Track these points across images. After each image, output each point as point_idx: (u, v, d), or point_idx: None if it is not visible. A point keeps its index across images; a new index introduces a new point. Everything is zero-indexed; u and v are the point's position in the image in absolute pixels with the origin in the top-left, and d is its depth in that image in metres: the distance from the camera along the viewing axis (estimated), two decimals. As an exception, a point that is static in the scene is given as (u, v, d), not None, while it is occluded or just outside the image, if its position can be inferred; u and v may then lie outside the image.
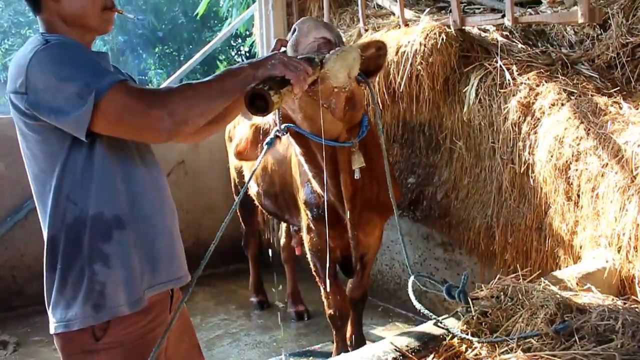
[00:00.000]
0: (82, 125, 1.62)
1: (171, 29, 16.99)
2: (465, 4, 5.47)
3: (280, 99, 1.78)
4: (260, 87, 1.73)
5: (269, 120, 2.80)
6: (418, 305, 2.31)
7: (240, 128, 4.41)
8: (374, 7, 5.70)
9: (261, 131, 2.81)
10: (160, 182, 2.00)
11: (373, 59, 2.67)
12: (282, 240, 5.15)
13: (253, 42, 9.41)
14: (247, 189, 3.32)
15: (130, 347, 1.83)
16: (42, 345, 4.72)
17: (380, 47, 2.69)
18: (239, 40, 15.87)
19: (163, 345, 1.88)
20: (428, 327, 2.22)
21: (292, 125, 2.61)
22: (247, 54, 16.41)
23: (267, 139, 2.31)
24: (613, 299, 2.20)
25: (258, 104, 1.75)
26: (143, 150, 1.94)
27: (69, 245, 1.80)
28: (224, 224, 1.87)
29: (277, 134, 2.41)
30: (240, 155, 2.89)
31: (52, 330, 1.84)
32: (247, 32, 12.09)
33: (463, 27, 4.20)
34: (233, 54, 18.06)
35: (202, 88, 1.71)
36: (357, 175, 2.75)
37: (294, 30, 2.22)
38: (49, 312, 1.85)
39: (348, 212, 3.02)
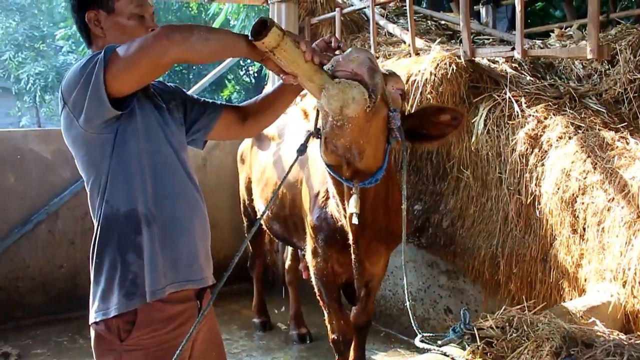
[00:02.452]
0: (100, 68, 1.83)
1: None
2: (474, 34, 5.57)
3: (280, 40, 1.82)
4: (271, 22, 1.81)
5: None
6: (425, 346, 2.30)
7: (256, 152, 4.48)
8: (385, 34, 5.80)
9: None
10: (188, 186, 2.15)
11: (441, 125, 2.60)
12: (287, 263, 5.17)
13: (263, 63, 9.54)
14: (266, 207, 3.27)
15: (152, 351, 1.97)
16: (44, 357, 4.74)
17: (456, 118, 2.59)
18: (249, 61, 16.03)
19: (186, 354, 2.04)
20: (433, 356, 2.23)
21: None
22: (256, 75, 16.59)
23: (299, 146, 2.25)
24: (618, 334, 2.22)
25: (260, 30, 1.82)
26: (167, 155, 2.09)
27: (102, 240, 2.01)
28: (243, 244, 1.95)
29: (306, 137, 2.35)
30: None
31: (91, 320, 2.02)
32: (258, 53, 12.25)
33: (473, 58, 4.26)
34: (242, 73, 18.25)
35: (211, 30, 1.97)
36: (354, 220, 2.58)
37: (349, 52, 2.10)
38: (91, 308, 2.04)
39: (352, 244, 3.03)
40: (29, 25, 17.55)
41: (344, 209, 2.85)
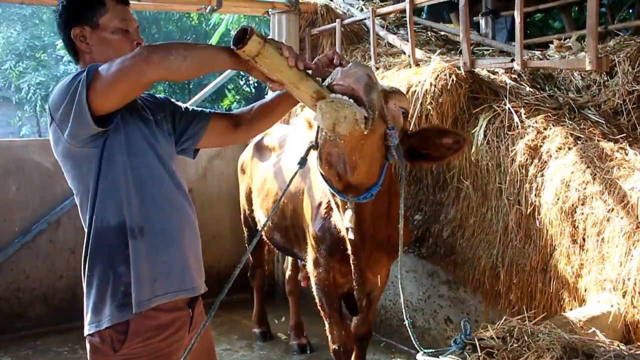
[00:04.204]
0: (84, 85, 1.87)
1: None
2: (474, 45, 5.60)
3: (261, 49, 1.84)
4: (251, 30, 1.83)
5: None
6: (427, 358, 2.31)
7: (256, 163, 4.49)
8: (385, 45, 5.84)
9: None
10: (176, 197, 2.18)
11: (443, 147, 2.62)
12: (288, 273, 5.18)
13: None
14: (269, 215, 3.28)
15: (146, 359, 2.02)
16: (44, 368, 4.74)
17: (458, 142, 2.61)
18: (249, 71, 16.06)
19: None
20: (435, 366, 2.24)
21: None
22: (256, 85, 16.64)
23: (299, 159, 2.28)
24: (619, 345, 2.23)
25: (241, 39, 1.84)
26: (154, 168, 2.14)
27: (93, 253, 2.06)
28: (244, 257, 2.01)
29: (307, 150, 2.36)
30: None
31: (86, 332, 2.06)
32: (258, 64, 12.29)
33: (473, 69, 4.29)
34: (242, 83, 18.29)
35: (190, 46, 2.00)
36: (350, 235, 2.60)
37: (348, 67, 2.11)
38: (85, 319, 2.09)
39: (351, 255, 3.04)
40: (30, 35, 17.60)
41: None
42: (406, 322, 2.38)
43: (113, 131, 2.02)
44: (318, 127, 2.39)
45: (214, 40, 11.70)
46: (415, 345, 2.37)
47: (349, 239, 2.88)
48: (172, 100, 2.42)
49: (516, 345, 2.20)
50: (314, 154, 2.45)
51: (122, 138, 2.04)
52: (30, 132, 19.85)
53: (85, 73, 1.88)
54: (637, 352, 2.08)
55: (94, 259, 2.06)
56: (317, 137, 2.42)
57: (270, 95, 2.55)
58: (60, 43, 16.94)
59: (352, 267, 3.10)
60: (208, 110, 2.47)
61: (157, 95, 2.38)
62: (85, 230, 2.10)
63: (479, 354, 2.19)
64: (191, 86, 16.93)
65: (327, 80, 2.07)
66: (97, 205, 2.04)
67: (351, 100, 2.04)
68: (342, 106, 2.03)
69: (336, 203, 2.85)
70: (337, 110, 2.03)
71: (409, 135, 2.71)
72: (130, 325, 2.01)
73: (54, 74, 17.35)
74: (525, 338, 2.23)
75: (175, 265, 2.12)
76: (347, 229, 2.65)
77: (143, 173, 2.09)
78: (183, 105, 2.44)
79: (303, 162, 2.26)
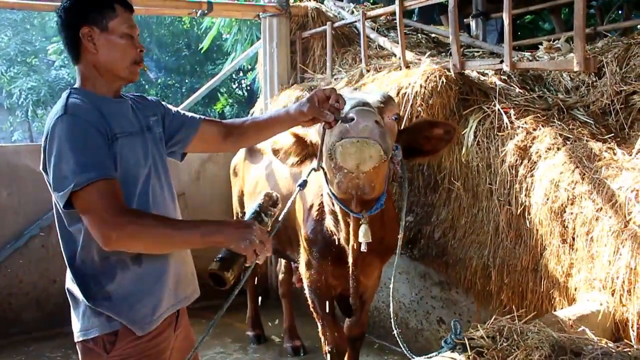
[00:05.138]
0: (61, 202, 1.94)
1: (174, 61, 17.24)
2: (464, 47, 5.64)
3: (234, 277, 1.99)
4: (227, 275, 1.97)
5: (312, 138, 2.79)
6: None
7: (248, 165, 4.51)
8: (376, 47, 5.87)
9: (298, 143, 2.78)
10: (173, 212, 2.26)
11: (434, 139, 2.66)
12: (281, 275, 5.19)
13: (255, 76, 9.58)
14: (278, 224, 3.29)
15: (136, 359, 2.09)
16: (37, 374, 4.72)
17: (449, 132, 2.67)
18: (241, 74, 16.09)
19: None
20: (426, 367, 2.26)
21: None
22: (248, 88, 16.65)
23: (300, 182, 2.36)
24: (606, 342, 2.25)
25: (216, 278, 1.99)
26: (156, 187, 2.19)
27: (80, 280, 2.09)
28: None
29: (309, 173, 2.46)
30: (275, 153, 2.81)
31: (77, 339, 2.13)
32: (250, 66, 12.31)
33: (463, 71, 4.32)
34: (234, 87, 18.30)
35: (174, 234, 1.96)
36: (363, 248, 2.68)
37: (355, 122, 2.17)
38: (73, 324, 2.16)
39: (351, 266, 3.09)
40: (21, 40, 17.56)
41: (347, 233, 2.94)
42: (395, 332, 2.43)
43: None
44: (320, 150, 2.47)
45: (205, 44, 11.69)
46: (406, 354, 2.40)
47: (354, 250, 2.94)
48: (163, 103, 2.45)
49: (506, 344, 2.22)
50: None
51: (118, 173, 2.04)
52: (22, 138, 19.78)
53: (83, 173, 1.88)
54: (625, 350, 2.10)
55: (81, 285, 2.08)
56: (319, 161, 2.50)
57: (265, 114, 2.62)
58: (52, 48, 16.95)
59: (350, 273, 3.14)
60: (199, 116, 2.50)
61: (149, 98, 2.41)
62: (66, 251, 2.12)
63: (469, 353, 2.21)
64: (184, 89, 16.92)
65: (334, 137, 2.18)
66: (85, 237, 2.03)
67: (377, 140, 2.14)
68: (368, 146, 2.15)
69: (345, 221, 2.92)
70: (363, 151, 2.16)
71: (401, 132, 2.75)
72: (120, 330, 2.08)
73: (45, 79, 17.31)
74: (515, 337, 2.25)
75: (176, 279, 2.22)
76: (360, 243, 2.72)
77: (143, 201, 2.12)
78: (174, 109, 2.47)
79: (304, 184, 2.35)
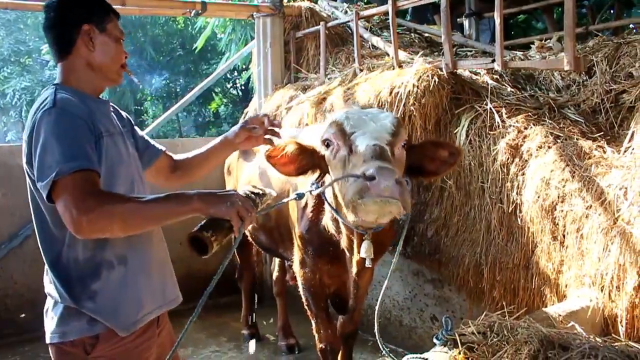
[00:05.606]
0: (44, 192, 1.92)
1: (169, 60, 17.24)
2: (457, 46, 5.68)
3: (219, 246, 1.97)
4: (207, 235, 1.93)
5: (313, 143, 2.78)
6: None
7: (242, 164, 4.53)
8: (369, 47, 5.89)
9: (301, 153, 2.72)
10: None
11: (438, 161, 2.66)
12: (275, 274, 5.22)
13: (250, 76, 9.61)
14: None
15: None
16: (33, 373, 4.73)
17: (453, 154, 2.66)
18: (235, 74, 16.10)
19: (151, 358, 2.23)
20: (417, 362, 2.29)
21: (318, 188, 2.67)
22: (243, 87, 16.66)
23: (299, 192, 2.44)
24: (594, 337, 2.29)
25: (198, 244, 1.95)
26: (139, 185, 2.25)
27: (63, 282, 2.08)
28: (225, 261, 2.04)
29: (311, 190, 2.58)
30: (269, 158, 2.69)
31: (47, 340, 2.10)
32: (244, 66, 12.32)
33: (455, 70, 4.36)
34: (229, 86, 18.31)
35: (146, 207, 1.95)
36: (368, 264, 2.70)
37: (377, 181, 2.15)
38: (46, 324, 2.14)
39: (355, 275, 3.16)
40: (15, 39, 17.52)
41: (349, 244, 2.99)
42: (379, 342, 2.47)
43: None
44: (319, 175, 2.64)
45: (199, 44, 11.69)
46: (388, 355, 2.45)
47: (359, 262, 2.95)
48: (132, 121, 2.50)
49: (496, 339, 2.25)
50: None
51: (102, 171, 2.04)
52: (16, 138, 19.69)
53: (67, 162, 1.88)
54: (613, 344, 2.14)
55: (64, 286, 2.07)
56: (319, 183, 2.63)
57: (205, 146, 2.64)
58: (45, 48, 16.91)
59: (352, 282, 3.23)
60: (159, 146, 2.55)
61: (121, 112, 2.43)
62: (46, 253, 2.13)
63: (460, 349, 2.24)
64: (178, 89, 16.92)
65: (352, 194, 2.20)
66: (69, 239, 2.05)
67: (398, 198, 2.16)
68: (390, 204, 2.17)
69: (348, 237, 2.96)
70: (384, 209, 2.19)
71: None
72: (102, 333, 2.07)
73: (39, 79, 17.27)
74: (505, 333, 2.28)
75: (158, 284, 2.24)
76: (364, 259, 2.75)
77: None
78: (139, 131, 2.52)
79: (301, 196, 2.45)
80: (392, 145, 2.45)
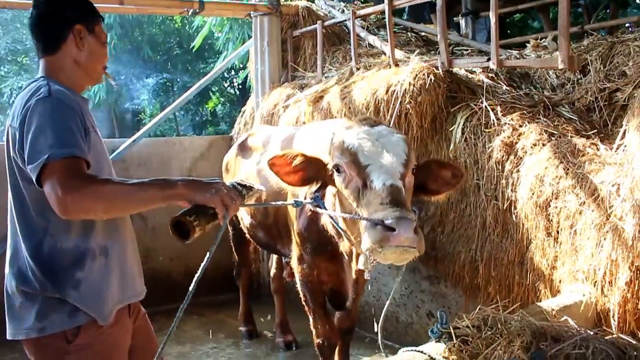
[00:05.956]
0: (34, 174, 1.95)
1: (166, 59, 17.24)
2: (454, 45, 5.72)
3: (203, 232, 2.02)
4: (190, 220, 1.98)
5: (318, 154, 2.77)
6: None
7: (239, 162, 4.56)
8: (366, 46, 5.94)
9: (307, 166, 2.71)
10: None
11: (441, 180, 2.67)
12: (273, 271, 5.25)
13: (247, 75, 9.62)
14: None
15: (98, 348, 2.15)
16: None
17: (456, 176, 2.66)
18: (233, 73, 16.11)
19: (128, 346, 2.32)
20: (412, 355, 2.33)
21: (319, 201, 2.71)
22: (240, 86, 16.68)
23: (298, 200, 2.53)
24: (585, 330, 2.33)
25: (181, 229, 2.01)
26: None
27: (47, 271, 2.09)
28: (208, 257, 2.09)
29: (311, 201, 2.65)
30: (273, 166, 2.68)
31: (22, 337, 2.13)
32: (242, 65, 12.33)
33: (451, 69, 4.40)
34: (226, 85, 18.32)
35: (130, 190, 2.00)
36: (367, 276, 2.69)
37: (397, 234, 2.16)
38: (11, 322, 2.16)
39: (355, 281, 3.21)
40: (12, 39, 17.48)
41: (349, 252, 3.05)
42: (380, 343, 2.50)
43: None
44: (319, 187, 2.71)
45: (197, 43, 11.71)
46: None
47: (358, 270, 3.01)
48: None
49: (490, 332, 2.29)
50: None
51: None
52: (13, 137, 19.69)
53: (59, 148, 1.94)
54: (604, 336, 2.18)
55: (43, 277, 2.09)
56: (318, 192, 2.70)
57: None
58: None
59: (351, 284, 3.33)
60: None
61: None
62: (26, 240, 2.12)
63: (455, 341, 2.28)
64: (175, 88, 16.93)
65: (370, 243, 2.21)
66: (52, 228, 2.09)
67: (416, 247, 2.19)
68: (408, 253, 2.20)
69: (349, 247, 2.98)
70: (402, 255, 2.21)
71: None
72: (83, 324, 2.12)
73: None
74: (499, 326, 2.33)
75: (131, 275, 2.33)
76: (362, 271, 2.74)
77: None
78: None
79: (300, 204, 2.56)
80: (404, 177, 2.45)
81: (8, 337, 2.17)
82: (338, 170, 2.56)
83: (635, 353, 2.05)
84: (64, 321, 2.09)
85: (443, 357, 2.23)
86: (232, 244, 5.20)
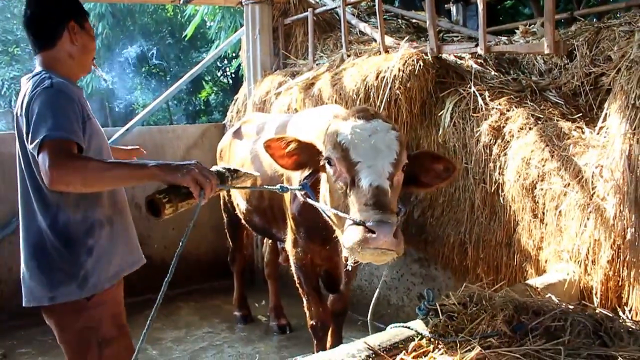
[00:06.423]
0: (35, 151, 2.19)
1: (159, 49, 17.19)
2: (444, 32, 5.77)
3: (175, 210, 2.15)
4: (159, 197, 2.12)
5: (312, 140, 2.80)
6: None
7: (234, 149, 4.61)
8: (357, 33, 5.98)
9: (301, 151, 2.75)
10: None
11: (433, 173, 2.67)
12: (266, 257, 5.32)
13: (240, 64, 9.65)
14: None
15: (109, 305, 2.48)
16: (29, 356, 4.84)
17: (449, 169, 2.66)
18: (225, 61, 16.11)
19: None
20: (399, 330, 2.41)
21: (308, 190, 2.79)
22: (233, 75, 16.67)
23: (283, 186, 2.66)
24: (566, 304, 2.42)
25: (154, 207, 2.15)
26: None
27: (65, 241, 2.36)
28: (185, 236, 2.20)
29: (299, 188, 2.75)
30: (268, 148, 2.71)
31: (35, 304, 2.41)
32: (234, 54, 12.35)
33: (440, 55, 4.45)
34: (219, 74, 18.31)
35: (108, 167, 2.23)
36: (348, 267, 2.68)
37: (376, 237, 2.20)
38: (26, 290, 2.43)
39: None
40: (2, 29, 17.38)
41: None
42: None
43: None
44: (310, 174, 2.79)
45: (189, 32, 11.71)
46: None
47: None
48: None
49: (475, 309, 2.37)
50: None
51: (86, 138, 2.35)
52: (5, 128, 19.59)
53: (55, 131, 2.17)
54: (581, 309, 2.27)
55: (58, 248, 2.36)
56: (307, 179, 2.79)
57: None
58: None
59: (341, 259, 3.31)
60: None
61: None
62: (41, 215, 2.37)
63: (441, 317, 2.36)
64: (168, 77, 16.91)
65: (353, 242, 2.25)
66: (65, 198, 2.33)
67: (394, 249, 2.24)
68: (386, 255, 2.26)
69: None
70: (381, 256, 2.27)
71: None
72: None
73: (27, 68, 17.14)
74: (484, 302, 2.41)
75: (134, 241, 2.64)
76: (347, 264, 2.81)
77: None
78: None
79: (285, 190, 2.69)
80: (392, 176, 2.47)
81: (24, 304, 2.43)
82: (330, 163, 2.60)
83: (611, 324, 2.14)
84: (73, 292, 2.35)
85: (429, 332, 2.30)
86: (226, 230, 5.27)
